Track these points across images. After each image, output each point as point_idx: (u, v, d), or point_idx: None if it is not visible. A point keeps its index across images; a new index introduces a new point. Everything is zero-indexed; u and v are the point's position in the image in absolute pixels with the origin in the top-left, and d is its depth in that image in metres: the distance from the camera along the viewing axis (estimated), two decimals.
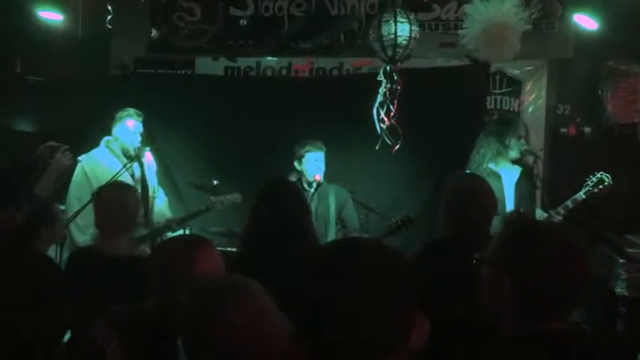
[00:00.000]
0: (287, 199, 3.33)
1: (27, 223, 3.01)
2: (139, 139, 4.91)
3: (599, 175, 4.66)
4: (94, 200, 3.56)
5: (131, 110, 4.92)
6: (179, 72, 6.56)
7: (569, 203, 4.66)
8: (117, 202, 3.33)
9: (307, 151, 4.80)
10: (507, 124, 4.85)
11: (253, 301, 1.71)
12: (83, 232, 4.54)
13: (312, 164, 4.80)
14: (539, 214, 4.78)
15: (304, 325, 1.23)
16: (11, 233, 2.94)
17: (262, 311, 1.69)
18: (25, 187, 3.59)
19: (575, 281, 1.78)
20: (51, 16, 6.14)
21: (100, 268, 3.06)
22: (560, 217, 4.62)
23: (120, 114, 4.90)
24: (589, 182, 4.67)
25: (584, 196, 4.64)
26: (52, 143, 3.78)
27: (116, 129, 4.91)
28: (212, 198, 4.94)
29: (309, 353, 1.21)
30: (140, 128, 4.92)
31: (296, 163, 4.86)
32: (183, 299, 1.73)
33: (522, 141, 4.76)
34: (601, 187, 4.64)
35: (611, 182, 4.64)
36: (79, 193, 4.72)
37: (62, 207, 4.40)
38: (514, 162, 4.76)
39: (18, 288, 1.98)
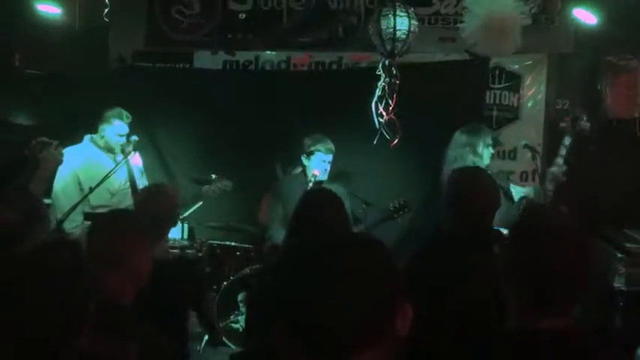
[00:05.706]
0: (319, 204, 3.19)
1: (24, 218, 2.96)
2: (123, 140, 4.81)
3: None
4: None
5: (120, 111, 4.83)
6: (177, 66, 6.54)
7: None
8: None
9: (318, 150, 4.72)
10: (477, 134, 4.64)
11: None
12: (72, 219, 4.52)
13: (320, 164, 4.73)
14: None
15: (289, 320, 1.23)
16: (10, 229, 2.90)
17: None
18: (17, 183, 3.53)
19: (574, 275, 1.78)
20: (49, 10, 6.12)
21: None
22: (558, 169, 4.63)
23: (109, 113, 4.82)
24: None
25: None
26: (44, 139, 3.72)
27: (103, 127, 4.83)
28: (203, 187, 4.95)
29: (293, 348, 1.21)
30: (125, 130, 4.82)
31: (303, 157, 4.78)
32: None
33: (491, 149, 4.66)
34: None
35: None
36: (64, 185, 4.68)
37: (47, 201, 4.36)
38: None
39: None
